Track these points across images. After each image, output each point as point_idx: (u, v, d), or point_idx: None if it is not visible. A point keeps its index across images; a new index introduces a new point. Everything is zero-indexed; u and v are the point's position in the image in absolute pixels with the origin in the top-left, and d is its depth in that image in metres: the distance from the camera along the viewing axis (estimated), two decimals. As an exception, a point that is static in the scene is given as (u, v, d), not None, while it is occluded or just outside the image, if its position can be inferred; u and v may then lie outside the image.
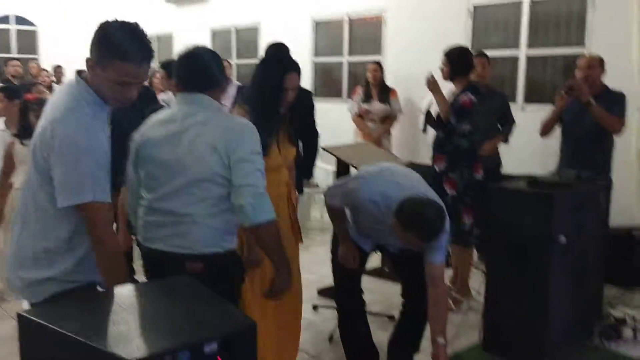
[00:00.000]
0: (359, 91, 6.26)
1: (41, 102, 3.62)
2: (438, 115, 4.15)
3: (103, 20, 1.99)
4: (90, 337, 1.48)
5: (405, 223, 2.47)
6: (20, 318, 1.64)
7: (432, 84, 4.10)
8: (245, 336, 1.58)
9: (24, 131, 3.84)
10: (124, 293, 1.79)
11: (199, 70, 2.28)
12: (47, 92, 6.47)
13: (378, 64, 6.15)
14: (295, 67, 2.83)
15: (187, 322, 1.59)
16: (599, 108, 4.06)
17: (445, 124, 4.03)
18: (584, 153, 4.16)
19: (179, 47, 9.97)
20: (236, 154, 2.12)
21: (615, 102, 4.17)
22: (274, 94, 2.75)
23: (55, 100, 2.05)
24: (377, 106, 6.08)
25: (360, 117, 6.16)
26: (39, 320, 1.59)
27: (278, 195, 2.83)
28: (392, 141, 6.26)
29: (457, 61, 4.09)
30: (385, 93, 6.12)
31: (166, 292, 1.81)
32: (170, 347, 1.45)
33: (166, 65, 5.18)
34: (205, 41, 8.99)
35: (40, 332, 1.58)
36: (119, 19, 2.00)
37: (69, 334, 1.50)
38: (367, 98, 6.13)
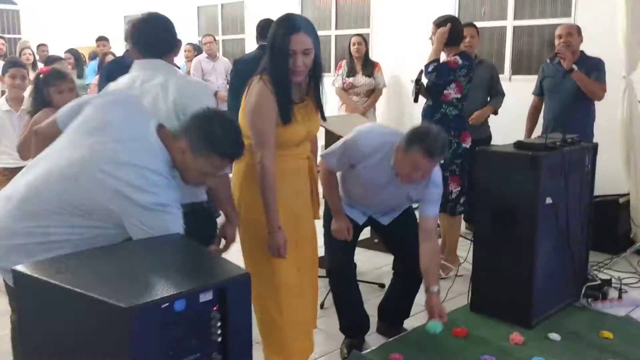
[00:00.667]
0: (343, 65, 6.25)
1: (60, 75, 3.38)
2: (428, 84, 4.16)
3: (204, 111, 2.02)
4: (87, 288, 1.50)
5: (410, 139, 2.66)
6: (15, 273, 1.65)
7: (439, 34, 4.03)
8: (239, 285, 1.61)
9: (39, 108, 3.39)
10: (119, 249, 1.81)
11: (155, 36, 2.44)
12: (31, 70, 6.40)
13: (362, 37, 6.13)
14: (301, 27, 2.45)
15: (183, 272, 1.61)
16: (581, 74, 4.18)
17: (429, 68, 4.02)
18: (566, 119, 4.26)
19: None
20: (190, 109, 2.16)
21: (594, 68, 4.32)
22: (281, 59, 2.46)
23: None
24: (361, 80, 6.08)
25: (344, 91, 6.16)
26: (35, 275, 1.61)
27: (296, 169, 2.69)
28: (377, 115, 6.27)
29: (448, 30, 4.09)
30: (369, 67, 6.11)
31: (160, 246, 1.83)
32: (166, 296, 1.47)
33: None
34: (191, 17, 8.92)
35: (36, 286, 1.60)
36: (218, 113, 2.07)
37: (66, 286, 1.52)
38: (351, 72, 6.13)
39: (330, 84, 6.24)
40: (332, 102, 6.25)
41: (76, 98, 2.38)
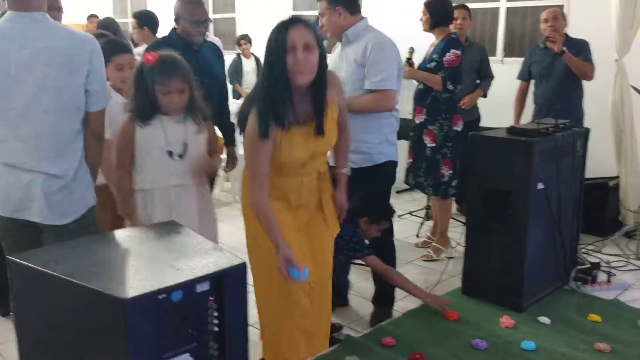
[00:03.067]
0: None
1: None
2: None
3: None
4: (84, 279, 1.50)
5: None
6: (11, 263, 1.65)
7: (408, 74, 4.08)
8: (235, 275, 1.62)
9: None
10: (116, 238, 1.81)
11: None
12: None
13: None
14: (301, 21, 2.16)
15: (179, 263, 1.62)
16: (572, 56, 4.24)
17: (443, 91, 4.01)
18: (556, 103, 4.30)
19: (152, 2, 9.76)
20: None
21: (581, 49, 4.38)
22: (278, 57, 2.11)
23: None
24: None
25: None
26: (31, 265, 1.61)
27: (299, 183, 2.40)
28: None
29: (438, 11, 4.07)
30: None
31: (156, 235, 1.83)
32: (163, 287, 1.48)
33: (137, 16, 5.09)
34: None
35: (33, 276, 1.60)
36: None
37: (63, 276, 1.52)
38: None
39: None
40: None
41: None
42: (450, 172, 4.12)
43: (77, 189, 2.26)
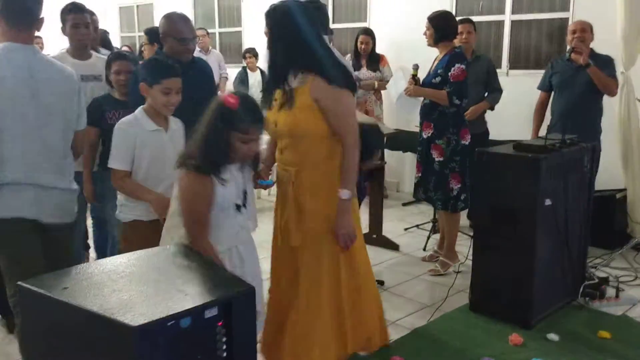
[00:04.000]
0: (347, 59, 6.21)
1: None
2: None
3: None
4: (92, 305, 1.51)
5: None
6: (21, 289, 1.66)
7: (413, 92, 4.11)
8: (244, 300, 1.62)
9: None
10: (123, 261, 1.81)
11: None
12: None
13: (369, 36, 6.07)
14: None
15: (187, 287, 1.62)
16: (597, 70, 4.17)
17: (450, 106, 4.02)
18: (575, 117, 4.25)
19: (159, 17, 9.83)
20: None
21: (605, 64, 4.29)
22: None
23: None
24: (366, 74, 6.06)
25: None
26: (40, 291, 1.61)
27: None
28: (383, 108, 6.25)
29: (442, 26, 4.06)
30: (375, 61, 6.09)
31: (164, 259, 1.83)
32: (171, 314, 1.48)
33: (149, 32, 5.19)
34: (187, 10, 8.86)
35: (41, 302, 1.60)
36: None
37: (72, 303, 1.52)
38: (356, 66, 6.11)
39: None
40: None
41: None
42: (459, 185, 4.11)
43: (72, 195, 2.68)
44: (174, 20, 3.29)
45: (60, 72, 2.57)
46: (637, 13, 4.47)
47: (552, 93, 4.59)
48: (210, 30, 8.25)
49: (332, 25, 7.32)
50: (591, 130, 4.25)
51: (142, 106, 2.67)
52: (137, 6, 9.96)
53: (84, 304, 1.51)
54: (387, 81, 6.11)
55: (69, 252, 2.69)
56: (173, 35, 3.22)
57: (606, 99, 4.49)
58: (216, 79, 6.91)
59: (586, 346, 2.97)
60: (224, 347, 1.59)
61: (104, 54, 3.92)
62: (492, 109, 4.96)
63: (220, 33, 8.92)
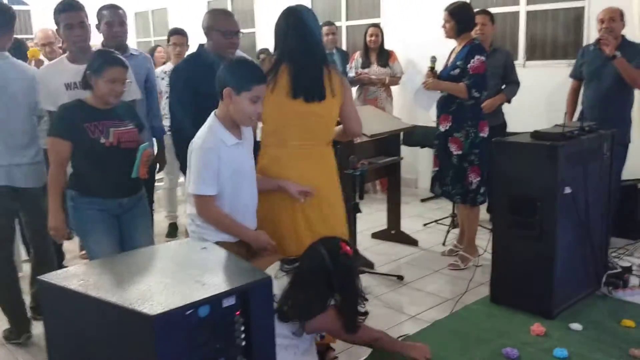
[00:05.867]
0: (357, 56, 6.21)
1: None
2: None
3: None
4: (112, 296, 1.52)
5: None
6: (41, 283, 1.68)
7: (431, 85, 4.07)
8: (261, 289, 1.62)
9: None
10: (141, 255, 1.83)
11: None
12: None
13: (378, 28, 6.08)
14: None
15: (205, 277, 1.63)
16: (624, 61, 4.07)
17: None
18: (603, 109, 4.17)
19: (173, 22, 9.92)
20: None
21: (636, 54, 4.17)
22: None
23: None
24: (376, 70, 6.05)
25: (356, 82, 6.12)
26: (59, 284, 1.63)
27: None
28: (394, 104, 6.24)
29: (463, 18, 4.02)
30: (385, 57, 6.07)
31: (181, 251, 1.84)
32: (190, 302, 1.49)
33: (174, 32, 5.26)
34: (201, 12, 8.92)
35: (62, 295, 1.62)
36: None
37: (91, 294, 1.54)
38: (366, 62, 6.09)
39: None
40: None
41: None
42: (478, 179, 4.07)
43: (38, 166, 3.25)
44: (219, 12, 3.30)
45: (23, 72, 3.23)
46: (655, -1, 4.39)
47: (583, 82, 4.51)
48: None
49: (345, 22, 7.34)
50: (620, 122, 4.14)
51: (214, 117, 2.45)
52: (152, 11, 10.06)
53: (103, 295, 1.53)
54: (399, 77, 6.08)
55: (40, 208, 3.14)
56: (218, 28, 3.15)
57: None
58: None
59: (610, 335, 2.92)
60: (243, 335, 1.60)
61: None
62: (509, 101, 4.91)
63: (234, 35, 8.97)
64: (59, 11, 3.19)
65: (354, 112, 2.87)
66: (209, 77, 2.81)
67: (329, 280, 2.17)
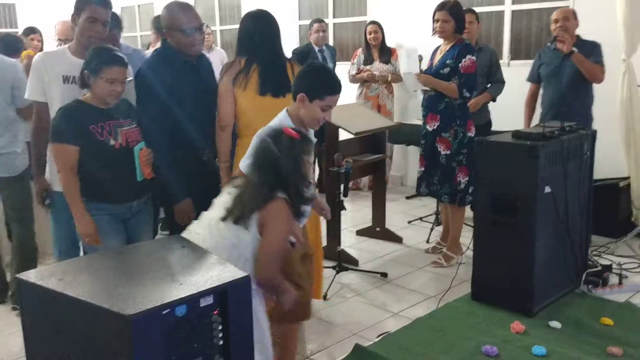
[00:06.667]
0: (359, 53, 6.23)
1: None
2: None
3: None
4: (88, 296, 1.53)
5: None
6: (20, 281, 1.68)
7: (424, 79, 4.04)
8: (239, 288, 1.63)
9: None
10: (120, 253, 1.83)
11: None
12: None
13: (377, 25, 6.07)
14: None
15: (183, 277, 1.63)
16: (581, 56, 4.16)
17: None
18: (565, 106, 4.24)
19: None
20: None
21: (591, 50, 4.28)
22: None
23: None
24: (379, 67, 6.06)
25: (358, 79, 6.13)
26: (37, 282, 1.63)
27: None
28: (394, 101, 6.23)
29: (461, 17, 4.01)
30: (387, 53, 6.08)
31: (160, 249, 1.85)
32: (167, 302, 1.49)
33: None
34: (189, 8, 8.89)
35: (39, 294, 1.62)
36: None
37: (68, 293, 1.54)
38: (368, 60, 6.10)
39: (346, 73, 6.18)
40: (351, 92, 6.23)
41: None
42: (467, 179, 4.04)
43: (10, 156, 3.46)
44: (177, 9, 2.93)
45: (3, 63, 3.44)
46: (637, 1, 4.44)
47: (542, 84, 4.57)
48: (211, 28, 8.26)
49: (333, 20, 7.35)
50: (583, 118, 4.20)
51: (285, 113, 2.48)
52: (139, 6, 9.99)
53: (81, 294, 1.53)
54: (400, 74, 6.08)
55: (13, 197, 3.51)
56: (178, 27, 2.87)
57: (609, 86, 4.46)
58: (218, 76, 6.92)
59: (588, 333, 2.96)
60: (220, 335, 1.61)
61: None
62: (494, 100, 4.94)
63: (221, 30, 8.94)
64: (86, 1, 2.92)
65: None
66: (182, 80, 2.82)
67: (277, 166, 2.11)
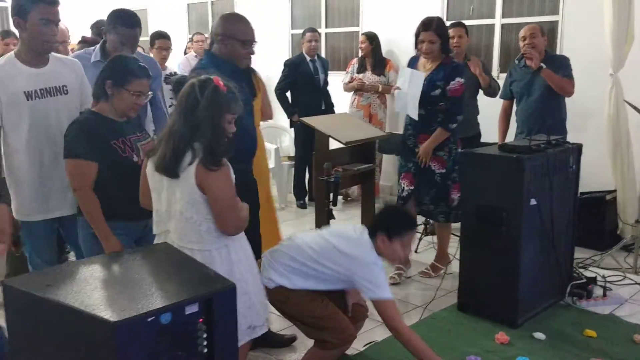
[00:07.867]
0: (354, 62, 6.30)
1: None
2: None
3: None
4: (74, 302, 1.54)
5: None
6: (5, 287, 1.69)
7: (424, 154, 3.94)
8: (225, 296, 1.65)
9: None
10: (105, 261, 1.84)
11: None
12: None
13: (366, 36, 6.13)
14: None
15: (169, 284, 1.65)
16: (550, 72, 4.20)
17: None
18: (538, 121, 4.27)
19: (153, 22, 9.88)
20: None
21: (560, 65, 4.31)
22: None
23: None
24: (370, 77, 6.11)
25: (350, 88, 6.21)
26: (23, 289, 1.64)
27: None
28: (387, 113, 6.27)
29: (447, 35, 3.95)
30: (380, 65, 6.13)
31: (147, 257, 1.86)
32: (152, 309, 1.51)
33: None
34: (181, 15, 8.91)
35: (25, 299, 1.63)
36: None
37: (54, 299, 1.55)
38: (362, 69, 6.17)
39: (339, 82, 6.25)
40: (344, 101, 6.28)
41: None
42: (459, 195, 4.00)
43: None
44: (237, 20, 2.94)
45: None
46: (625, 16, 4.51)
47: (515, 100, 4.60)
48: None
49: (325, 30, 7.39)
50: (556, 132, 4.08)
51: None
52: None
53: (66, 300, 1.54)
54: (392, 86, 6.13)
55: None
56: (236, 36, 2.84)
57: (596, 101, 4.51)
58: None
59: (572, 345, 2.99)
60: (205, 343, 1.62)
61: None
62: (489, 87, 4.84)
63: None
64: (32, 1, 2.57)
65: (267, 99, 3.80)
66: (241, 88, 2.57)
67: (196, 112, 2.09)
